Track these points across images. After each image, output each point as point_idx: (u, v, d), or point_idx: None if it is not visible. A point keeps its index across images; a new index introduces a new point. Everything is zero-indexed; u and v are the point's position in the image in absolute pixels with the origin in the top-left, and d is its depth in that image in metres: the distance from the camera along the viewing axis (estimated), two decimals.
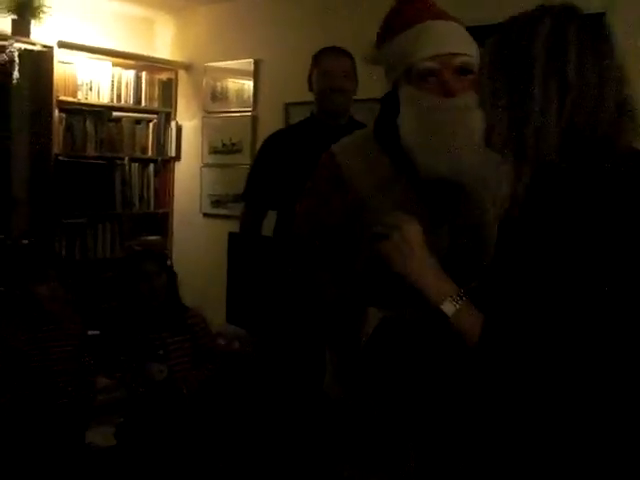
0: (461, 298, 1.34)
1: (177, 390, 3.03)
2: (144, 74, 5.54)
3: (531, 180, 1.27)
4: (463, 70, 1.72)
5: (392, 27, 1.88)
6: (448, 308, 1.34)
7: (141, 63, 5.49)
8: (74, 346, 3.22)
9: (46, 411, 3.04)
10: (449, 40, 1.75)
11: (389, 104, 1.84)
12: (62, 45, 4.85)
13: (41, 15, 4.71)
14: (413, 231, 1.43)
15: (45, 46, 4.76)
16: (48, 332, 3.14)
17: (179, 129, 5.70)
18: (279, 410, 3.25)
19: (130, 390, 3.08)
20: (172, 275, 3.35)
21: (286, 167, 3.20)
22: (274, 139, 3.43)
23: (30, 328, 3.11)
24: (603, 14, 3.43)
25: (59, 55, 4.86)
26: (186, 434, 3.04)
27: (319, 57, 3.23)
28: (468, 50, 1.75)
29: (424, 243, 1.43)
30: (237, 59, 5.23)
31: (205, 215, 5.53)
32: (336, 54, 3.22)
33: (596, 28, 1.30)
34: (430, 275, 1.40)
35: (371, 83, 3.49)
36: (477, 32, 1.79)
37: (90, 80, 5.17)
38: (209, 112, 5.48)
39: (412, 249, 1.41)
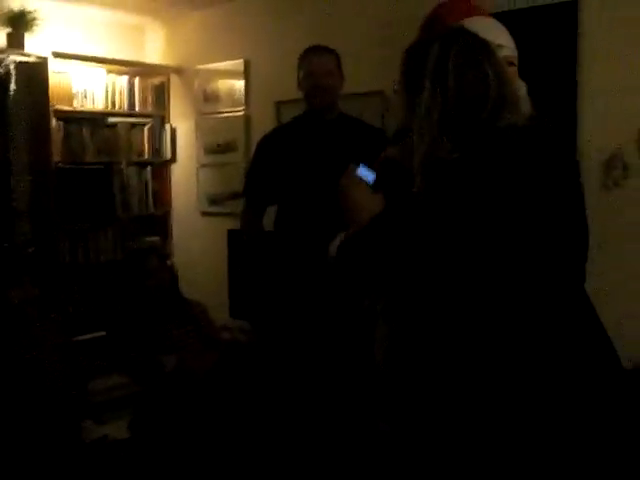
0: None
1: (187, 378, 3.14)
2: (137, 79, 5.62)
3: (424, 157, 1.60)
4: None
5: (434, 28, 2.03)
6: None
7: (133, 69, 5.57)
8: (55, 345, 3.35)
9: (39, 407, 3.17)
10: (492, 35, 1.91)
11: None
12: (56, 55, 4.94)
13: (34, 27, 4.80)
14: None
15: (40, 57, 4.85)
16: (26, 332, 3.28)
17: (174, 131, 5.79)
18: (285, 398, 3.37)
19: (143, 383, 3.20)
20: (172, 270, 3.47)
21: (282, 162, 3.34)
22: (270, 137, 3.55)
23: (8, 330, 3.25)
24: (575, 2, 3.56)
25: (54, 65, 4.94)
26: (197, 421, 3.16)
27: (304, 57, 3.34)
28: (510, 43, 1.93)
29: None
30: (227, 60, 5.30)
31: (204, 214, 5.60)
32: (319, 53, 3.33)
33: (477, 44, 1.64)
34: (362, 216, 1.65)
35: (357, 78, 3.68)
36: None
37: (85, 88, 5.26)
38: (202, 113, 5.55)
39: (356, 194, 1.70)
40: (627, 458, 1.60)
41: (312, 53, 3.33)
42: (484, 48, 1.64)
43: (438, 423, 1.63)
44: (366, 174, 1.71)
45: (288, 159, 3.33)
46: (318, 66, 3.28)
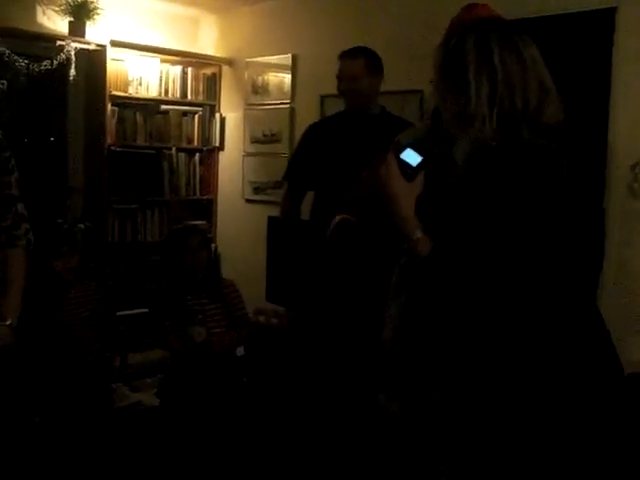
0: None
1: (212, 351, 3.33)
2: (190, 69, 5.81)
3: (470, 151, 1.63)
4: None
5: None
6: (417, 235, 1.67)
7: (187, 59, 5.76)
8: (91, 310, 3.58)
9: (74, 369, 3.42)
10: None
11: None
12: (114, 44, 5.14)
13: (95, 16, 5.01)
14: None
15: (99, 45, 5.06)
16: (71, 297, 3.53)
17: (223, 120, 5.96)
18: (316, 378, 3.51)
19: (173, 351, 3.40)
20: (212, 251, 3.65)
21: (324, 152, 3.50)
22: (315, 126, 3.72)
23: (54, 294, 3.51)
24: (614, 9, 3.64)
25: (111, 53, 5.15)
26: (221, 393, 3.35)
27: (338, 59, 3.49)
28: None
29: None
30: (276, 54, 5.45)
31: (247, 201, 5.77)
32: (345, 59, 3.47)
33: (516, 31, 1.69)
34: (405, 206, 1.69)
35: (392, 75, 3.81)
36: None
37: (140, 76, 5.47)
38: (250, 104, 5.72)
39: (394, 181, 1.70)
40: (624, 460, 1.68)
41: (341, 58, 3.48)
42: (519, 33, 1.71)
43: (447, 405, 1.73)
44: (412, 155, 1.67)
45: (329, 149, 3.48)
46: (344, 72, 3.45)
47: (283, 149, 5.37)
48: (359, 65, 3.43)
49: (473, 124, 1.63)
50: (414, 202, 1.70)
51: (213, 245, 5.64)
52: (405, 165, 1.68)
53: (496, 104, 1.62)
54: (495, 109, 1.62)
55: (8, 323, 2.27)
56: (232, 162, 5.91)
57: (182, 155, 5.80)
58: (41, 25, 4.96)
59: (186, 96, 5.82)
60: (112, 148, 5.26)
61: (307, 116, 4.82)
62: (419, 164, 1.67)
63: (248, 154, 5.76)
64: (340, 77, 3.45)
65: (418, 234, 1.67)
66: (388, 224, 1.76)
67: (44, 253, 3.48)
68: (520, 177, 1.58)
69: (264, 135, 5.62)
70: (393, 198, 1.69)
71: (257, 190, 5.69)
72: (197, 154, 5.90)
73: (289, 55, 5.36)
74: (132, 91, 5.43)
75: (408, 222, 1.69)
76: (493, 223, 1.59)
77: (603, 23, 3.61)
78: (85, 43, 4.99)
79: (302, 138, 3.77)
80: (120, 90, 5.32)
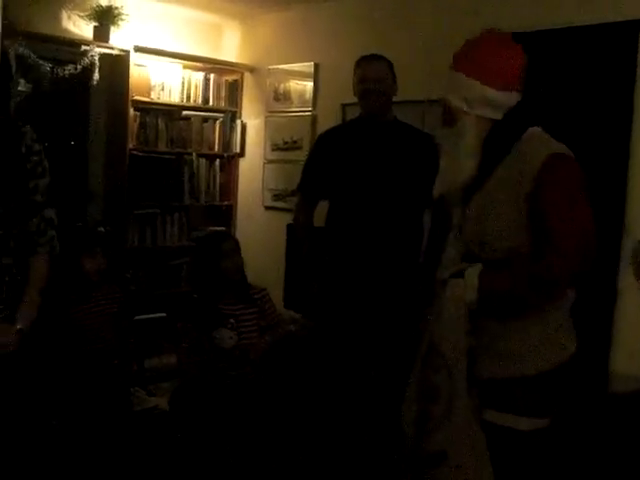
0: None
1: (245, 355, 3.29)
2: (212, 76, 5.84)
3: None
4: None
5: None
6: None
7: (209, 66, 5.78)
8: (112, 314, 3.60)
9: (94, 372, 3.43)
10: None
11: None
12: (137, 49, 5.17)
13: (119, 22, 5.05)
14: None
15: (122, 50, 5.10)
16: (94, 299, 3.54)
17: (244, 127, 5.98)
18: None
19: (199, 355, 3.35)
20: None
21: (337, 160, 3.48)
22: (327, 135, 3.70)
23: (79, 294, 3.52)
24: (639, 21, 3.62)
25: (135, 58, 5.19)
26: (249, 400, 3.32)
27: (357, 65, 3.49)
28: None
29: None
30: (298, 62, 5.47)
31: (267, 208, 5.78)
32: (369, 60, 3.47)
33: None
34: None
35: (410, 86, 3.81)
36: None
37: (162, 81, 5.50)
38: (272, 111, 5.74)
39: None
40: None
41: (365, 61, 3.48)
42: None
43: None
44: None
45: (343, 157, 3.47)
46: (369, 72, 3.41)
47: (304, 157, 5.24)
48: (384, 67, 3.44)
49: None
50: None
51: None
52: None
53: None
54: None
55: (18, 328, 2.28)
56: (252, 169, 5.93)
57: (203, 161, 5.82)
58: (66, 30, 5.00)
59: (208, 102, 5.85)
60: (133, 153, 5.29)
61: (328, 124, 4.76)
62: None
63: (268, 161, 5.78)
64: (363, 79, 3.42)
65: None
66: None
67: (76, 252, 3.50)
68: None
69: (285, 142, 5.63)
70: None
71: (277, 197, 5.70)
72: (218, 160, 5.92)
73: (311, 63, 5.39)
74: (154, 96, 5.46)
75: None
76: None
77: (627, 35, 3.60)
78: (109, 48, 5.04)
79: (314, 147, 3.78)
80: (142, 95, 5.35)
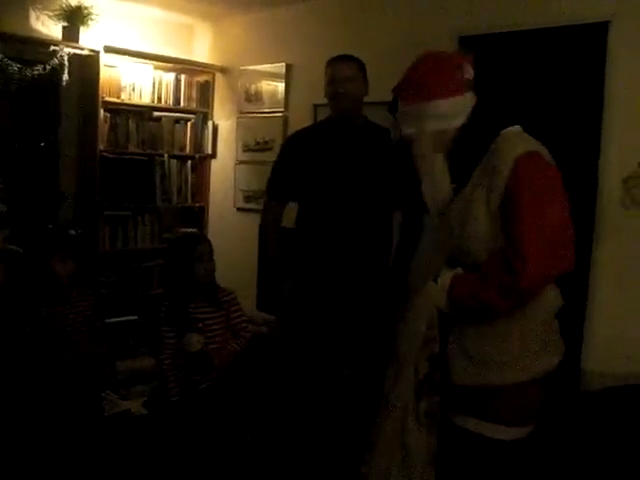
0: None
1: (209, 360, 3.26)
2: (183, 77, 5.81)
3: None
4: None
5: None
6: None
7: (180, 66, 5.75)
8: (85, 317, 3.55)
9: (66, 376, 3.38)
10: None
11: None
12: (108, 50, 5.12)
13: (89, 22, 5.00)
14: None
15: (92, 51, 5.04)
16: (66, 301, 3.50)
17: (215, 128, 5.97)
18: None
19: (169, 358, 3.32)
20: None
21: (306, 161, 3.47)
22: (296, 136, 3.69)
23: (50, 297, 3.47)
24: (607, 23, 3.65)
25: (105, 59, 5.13)
26: (215, 404, 3.30)
27: (327, 66, 3.47)
28: None
29: None
30: (270, 63, 5.47)
31: (238, 209, 5.78)
32: (339, 61, 3.45)
33: None
34: None
35: (383, 86, 3.81)
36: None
37: (133, 82, 5.45)
38: (243, 112, 5.73)
39: None
40: None
41: (335, 61, 3.46)
42: None
43: None
44: None
45: (312, 159, 3.46)
46: (339, 73, 3.40)
47: (275, 158, 5.33)
48: (354, 68, 3.43)
49: None
50: None
51: None
52: None
53: None
54: None
55: None
56: (224, 170, 5.92)
57: (174, 162, 5.79)
58: (34, 30, 4.94)
59: (179, 103, 5.82)
60: (104, 154, 5.24)
61: (300, 125, 4.74)
62: None
63: (240, 162, 5.77)
64: (333, 80, 3.40)
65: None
66: None
67: (46, 254, 3.46)
68: None
69: (257, 143, 5.63)
70: None
71: (248, 199, 5.70)
72: (189, 161, 5.90)
73: (283, 64, 5.38)
74: (125, 97, 5.41)
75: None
76: None
77: (596, 36, 3.63)
78: (78, 48, 4.98)
79: (283, 148, 3.74)
80: (113, 96, 5.30)
